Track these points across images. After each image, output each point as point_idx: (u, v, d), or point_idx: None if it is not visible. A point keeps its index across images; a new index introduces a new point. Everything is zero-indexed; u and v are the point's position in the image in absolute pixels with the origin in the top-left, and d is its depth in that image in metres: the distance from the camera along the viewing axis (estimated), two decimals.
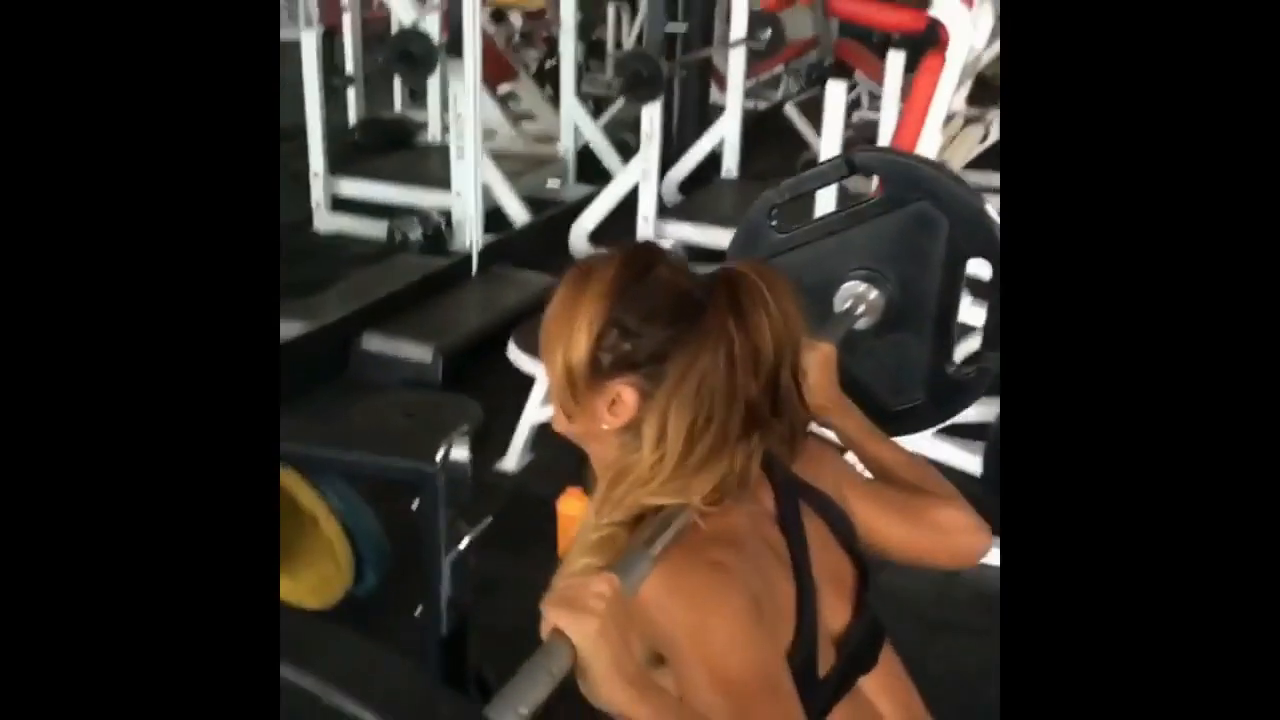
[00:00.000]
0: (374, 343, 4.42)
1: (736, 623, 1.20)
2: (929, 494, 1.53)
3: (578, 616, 1.08)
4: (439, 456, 2.15)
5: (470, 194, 5.05)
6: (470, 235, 5.06)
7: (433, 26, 5.23)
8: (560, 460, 3.90)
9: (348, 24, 6.40)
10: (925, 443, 3.42)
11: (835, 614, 1.38)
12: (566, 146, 6.29)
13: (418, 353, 4.34)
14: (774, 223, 1.96)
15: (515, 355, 3.89)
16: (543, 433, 3.80)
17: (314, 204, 5.73)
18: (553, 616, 1.08)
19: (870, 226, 1.90)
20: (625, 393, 1.30)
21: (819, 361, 1.59)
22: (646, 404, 1.29)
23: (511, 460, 3.80)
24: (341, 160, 5.87)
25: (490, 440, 3.72)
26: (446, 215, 5.32)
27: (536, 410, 3.77)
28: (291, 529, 3.15)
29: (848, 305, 1.88)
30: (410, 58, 5.07)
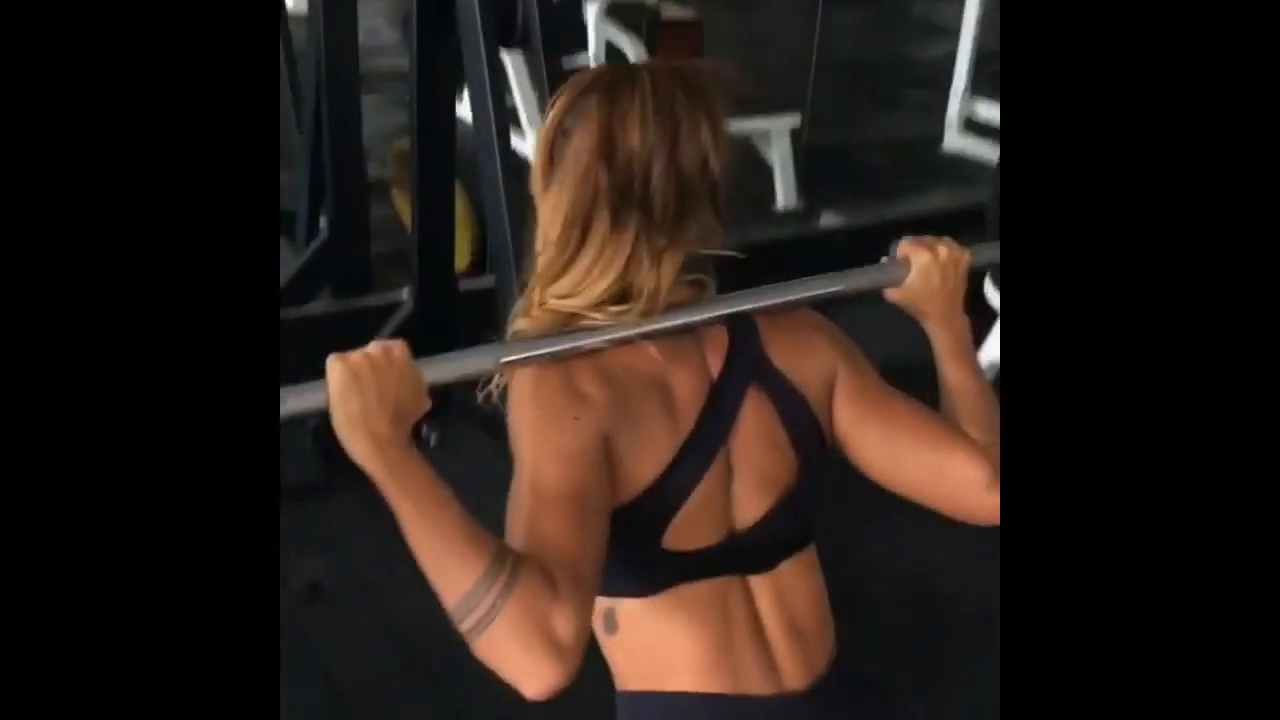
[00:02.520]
0: None
1: (570, 440, 1.26)
2: (955, 435, 1.43)
3: (339, 363, 1.19)
4: None
5: None
6: None
7: None
8: None
9: None
10: None
11: (745, 505, 1.39)
12: None
13: None
14: None
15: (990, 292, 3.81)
16: None
17: (948, 121, 5.99)
18: (328, 362, 1.20)
19: None
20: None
21: (926, 261, 1.51)
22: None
23: None
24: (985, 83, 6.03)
25: None
26: None
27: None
28: None
29: None
30: None
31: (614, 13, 6.31)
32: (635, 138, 1.31)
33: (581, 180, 1.31)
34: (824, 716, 1.40)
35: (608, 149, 1.31)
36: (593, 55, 6.26)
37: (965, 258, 1.53)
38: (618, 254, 1.31)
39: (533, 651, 1.10)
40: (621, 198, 1.31)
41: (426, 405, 1.23)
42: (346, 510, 3.23)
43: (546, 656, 1.10)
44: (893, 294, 1.53)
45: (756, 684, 1.37)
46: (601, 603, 1.33)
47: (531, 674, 1.11)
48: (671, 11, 7.51)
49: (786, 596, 1.40)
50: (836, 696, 1.42)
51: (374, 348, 1.20)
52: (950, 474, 1.41)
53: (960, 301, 1.54)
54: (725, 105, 1.37)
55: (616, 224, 1.31)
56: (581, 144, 1.32)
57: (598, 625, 1.38)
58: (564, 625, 1.11)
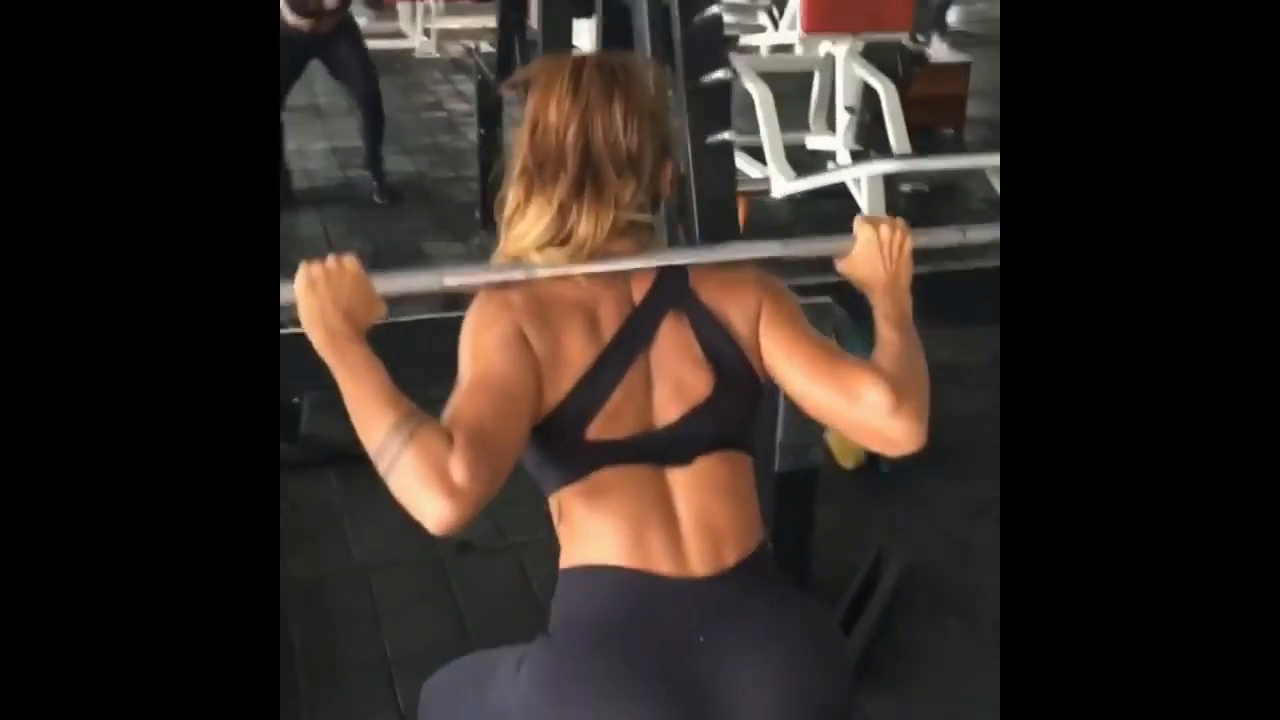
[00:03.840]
0: None
1: (492, 338, 1.55)
2: (867, 369, 1.60)
3: (302, 270, 1.50)
4: None
5: None
6: None
7: None
8: None
9: None
10: None
11: (664, 408, 1.61)
12: None
13: None
14: None
15: None
16: None
17: None
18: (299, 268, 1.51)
19: None
20: None
21: (869, 237, 1.71)
22: None
23: None
24: None
25: None
26: None
27: None
28: None
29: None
30: None
31: (868, 54, 6.48)
32: (552, 114, 1.61)
33: (519, 148, 1.63)
34: (720, 601, 1.57)
35: (533, 123, 1.62)
36: (843, 98, 6.49)
37: (908, 241, 1.71)
38: (548, 206, 1.59)
39: (427, 491, 1.36)
40: (544, 161, 1.60)
41: (381, 310, 1.54)
42: (509, 484, 3.59)
43: (438, 496, 1.36)
44: (839, 265, 1.74)
45: (663, 565, 1.57)
46: (551, 501, 1.63)
47: (426, 509, 1.37)
48: (941, 54, 7.65)
49: (700, 493, 1.60)
50: (736, 587, 1.59)
51: (331, 260, 1.52)
52: (858, 400, 1.58)
53: (903, 280, 1.72)
54: (644, 93, 1.64)
55: (544, 182, 1.60)
56: (521, 121, 1.64)
57: (555, 520, 1.64)
58: (458, 473, 1.36)
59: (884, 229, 1.71)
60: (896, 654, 2.94)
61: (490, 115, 5.74)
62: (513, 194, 1.63)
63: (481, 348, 1.55)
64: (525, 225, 1.61)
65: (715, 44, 2.97)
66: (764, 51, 7.67)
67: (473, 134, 7.14)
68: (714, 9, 2.91)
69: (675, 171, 1.68)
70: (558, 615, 1.62)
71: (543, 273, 1.60)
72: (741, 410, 1.66)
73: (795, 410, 2.63)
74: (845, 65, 6.37)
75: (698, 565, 1.58)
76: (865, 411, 1.58)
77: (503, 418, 1.48)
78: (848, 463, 3.74)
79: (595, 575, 1.59)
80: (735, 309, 1.65)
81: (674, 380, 1.61)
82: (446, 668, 1.83)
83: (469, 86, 7.72)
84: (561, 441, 1.57)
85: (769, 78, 6.28)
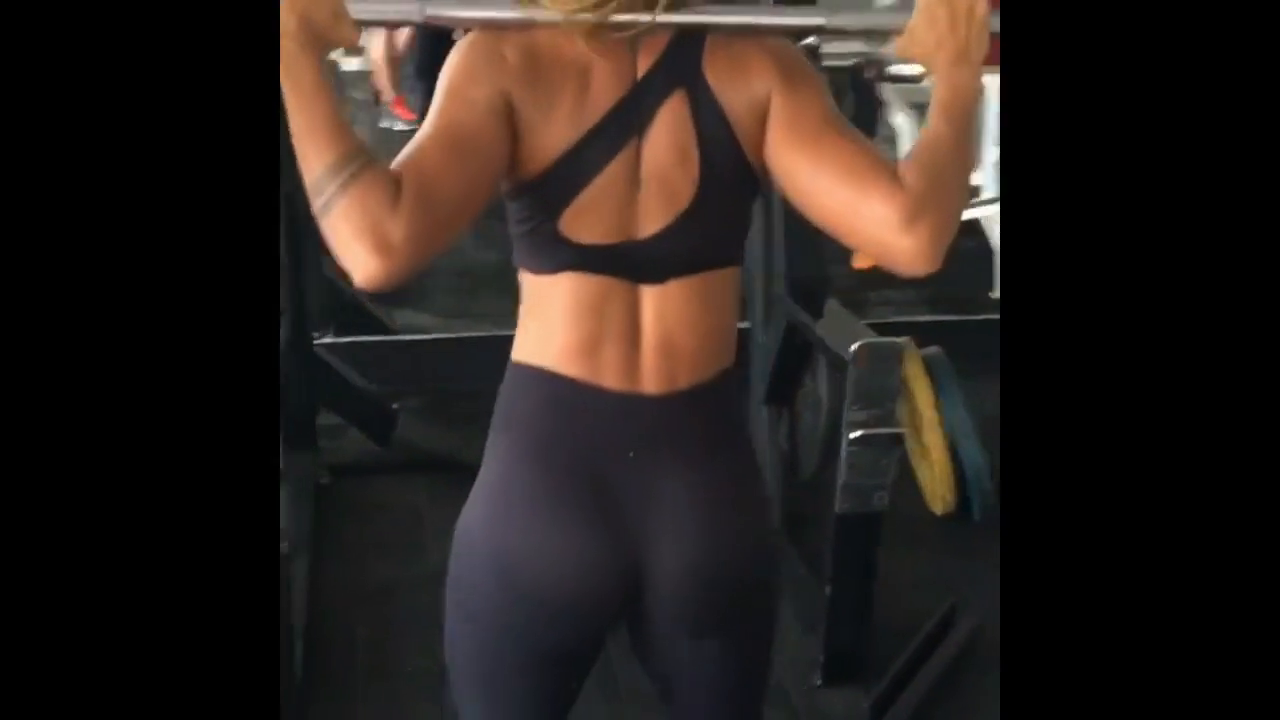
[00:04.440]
0: None
1: (475, 93, 1.39)
2: (882, 173, 1.40)
3: None
4: (853, 347, 2.52)
5: None
6: None
7: None
8: None
9: None
10: None
11: (647, 216, 1.46)
12: None
13: None
14: None
15: None
16: None
17: None
18: None
19: None
20: None
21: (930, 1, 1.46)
22: None
23: None
24: None
25: None
26: None
27: None
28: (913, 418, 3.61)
29: None
30: None
31: None
32: None
33: None
34: (657, 420, 1.50)
35: None
36: (992, 132, 6.33)
37: (980, 3, 1.45)
38: None
39: (359, 243, 1.27)
40: None
41: (349, 34, 1.37)
42: None
43: (370, 252, 1.27)
44: (898, 43, 1.50)
45: (611, 380, 1.49)
46: (520, 276, 1.52)
47: (355, 262, 1.28)
48: None
49: (668, 314, 1.49)
50: (678, 409, 1.51)
51: None
52: (865, 210, 1.39)
53: (975, 54, 1.46)
54: None
55: None
56: None
57: (521, 292, 1.54)
58: (396, 230, 1.27)
59: None
60: (959, 705, 2.86)
61: None
62: None
63: (460, 99, 1.40)
64: None
65: None
66: (927, 82, 7.53)
67: None
68: None
69: None
70: (498, 415, 1.56)
71: (542, 17, 1.43)
72: (730, 219, 1.53)
73: (862, 451, 2.64)
74: (995, 99, 6.23)
75: (649, 385, 1.50)
76: (869, 223, 1.40)
77: (461, 180, 1.36)
78: (937, 508, 3.65)
79: (537, 378, 1.51)
80: (740, 93, 1.46)
81: (661, 179, 1.45)
82: None
83: None
84: (533, 225, 1.46)
85: (922, 109, 6.16)
